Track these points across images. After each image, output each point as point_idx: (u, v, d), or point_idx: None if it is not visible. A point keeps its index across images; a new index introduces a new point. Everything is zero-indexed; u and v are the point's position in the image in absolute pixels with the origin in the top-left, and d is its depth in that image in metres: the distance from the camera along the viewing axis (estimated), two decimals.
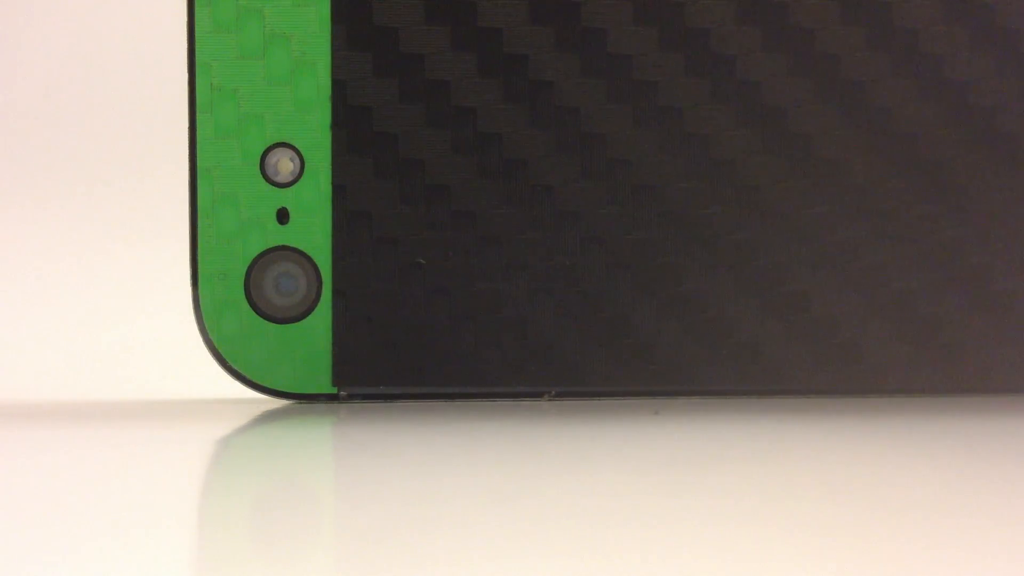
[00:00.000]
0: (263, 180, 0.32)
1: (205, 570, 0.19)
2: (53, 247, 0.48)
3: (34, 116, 0.50)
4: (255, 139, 0.32)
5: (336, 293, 0.32)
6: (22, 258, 0.48)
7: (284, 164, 0.32)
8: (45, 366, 0.40)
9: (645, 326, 0.32)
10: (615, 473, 0.25)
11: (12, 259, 0.48)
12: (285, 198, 0.32)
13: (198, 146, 0.32)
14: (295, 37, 0.32)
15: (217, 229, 0.32)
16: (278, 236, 0.32)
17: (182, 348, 0.34)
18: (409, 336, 0.32)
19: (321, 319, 0.32)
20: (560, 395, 0.33)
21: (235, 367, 0.32)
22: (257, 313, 0.32)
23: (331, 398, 0.32)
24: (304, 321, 0.32)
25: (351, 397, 0.32)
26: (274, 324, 0.32)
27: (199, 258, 0.32)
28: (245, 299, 0.32)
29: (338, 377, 0.32)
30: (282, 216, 0.32)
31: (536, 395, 0.33)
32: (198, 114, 0.32)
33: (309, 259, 0.32)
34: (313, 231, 0.32)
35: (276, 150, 0.32)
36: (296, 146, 0.32)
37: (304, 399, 0.32)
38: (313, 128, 0.32)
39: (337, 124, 0.32)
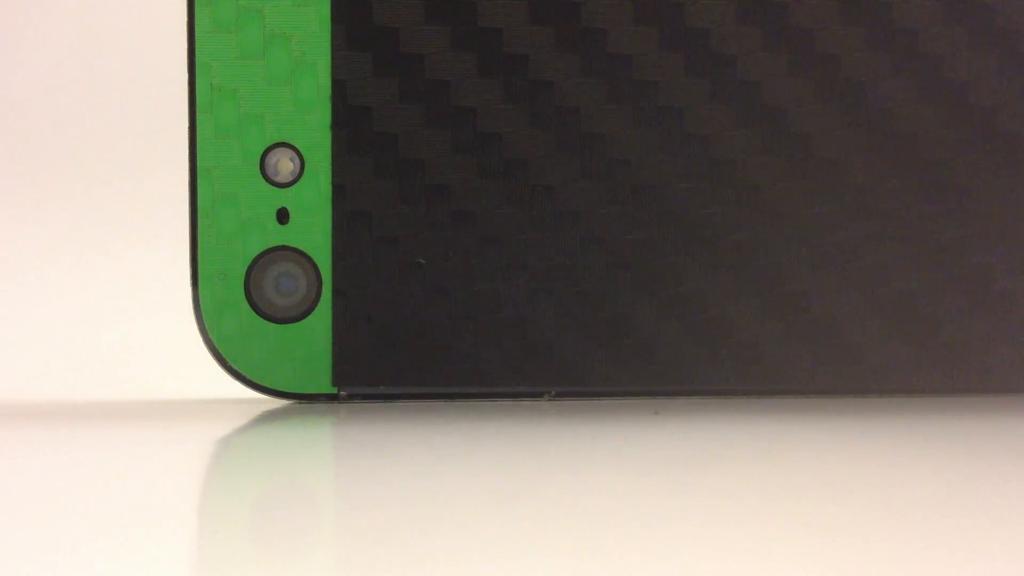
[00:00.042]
0: (263, 180, 0.32)
1: (205, 570, 0.19)
2: (53, 247, 0.48)
3: (34, 116, 0.50)
4: (255, 139, 0.32)
5: (336, 293, 0.32)
6: (22, 258, 0.48)
7: (284, 164, 0.32)
8: (45, 366, 0.40)
9: (645, 326, 0.32)
10: (615, 473, 0.25)
11: (12, 259, 0.48)
12: (285, 198, 0.32)
13: (198, 146, 0.32)
14: (295, 37, 0.32)
15: (217, 229, 0.32)
16: (278, 236, 0.32)
17: (182, 348, 0.34)
18: (409, 336, 0.32)
19: (321, 319, 0.32)
20: (560, 395, 0.33)
21: (235, 367, 0.32)
22: (257, 313, 0.32)
23: (331, 398, 0.32)
24: (304, 321, 0.32)
25: (351, 397, 0.32)
26: (274, 324, 0.32)
27: (199, 258, 0.32)
28: (245, 299, 0.32)
29: (338, 377, 0.32)
30: (282, 216, 0.32)
31: (536, 395, 0.33)
32: (198, 114, 0.32)
33: (309, 259, 0.32)
34: (313, 231, 0.32)
35: (276, 150, 0.32)
36: (296, 146, 0.32)
37: (304, 399, 0.32)
38: (313, 128, 0.32)
39: (337, 124, 0.32)
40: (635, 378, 0.32)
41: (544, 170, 0.32)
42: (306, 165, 0.32)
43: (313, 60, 0.32)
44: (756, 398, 0.33)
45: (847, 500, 0.23)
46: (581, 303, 0.32)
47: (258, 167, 0.32)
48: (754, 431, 0.30)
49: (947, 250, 0.33)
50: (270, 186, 0.32)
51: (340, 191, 0.32)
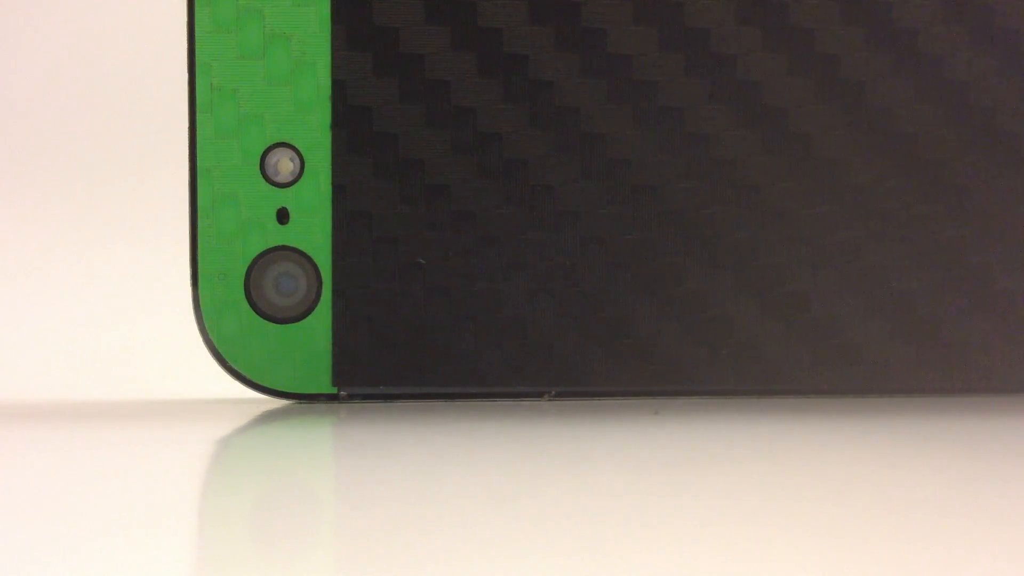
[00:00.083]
0: (263, 180, 0.32)
1: (205, 570, 0.19)
2: (53, 247, 0.48)
3: (34, 116, 0.50)
4: (255, 139, 0.32)
5: (336, 293, 0.32)
6: (22, 258, 0.48)
7: (284, 164, 0.32)
8: (45, 366, 0.40)
9: (645, 326, 0.32)
10: (615, 473, 0.25)
11: (12, 259, 0.48)
12: (285, 198, 0.32)
13: (198, 146, 0.32)
14: (295, 37, 0.32)
15: (217, 229, 0.32)
16: (278, 236, 0.32)
17: (182, 348, 0.34)
18: (409, 336, 0.32)
19: (321, 319, 0.32)
20: (560, 395, 0.33)
21: (235, 367, 0.32)
22: (257, 313, 0.32)
23: (331, 398, 0.32)
24: (304, 321, 0.32)
25: (351, 397, 0.32)
26: (274, 324, 0.32)
27: (199, 258, 0.32)
28: (245, 299, 0.32)
29: (338, 377, 0.32)
30: (282, 216, 0.32)
31: (536, 395, 0.33)
32: (198, 114, 0.32)
33: (309, 259, 0.32)
34: (313, 231, 0.32)
35: (276, 150, 0.32)
36: (296, 146, 0.32)
37: (304, 399, 0.32)
38: (313, 128, 0.32)
39: (337, 124, 0.32)
40: (635, 378, 0.32)
41: (544, 170, 0.32)
42: (306, 165, 0.32)
43: (313, 60, 0.32)
44: (756, 398, 0.33)
45: (847, 500, 0.23)
46: (581, 303, 0.32)
47: (258, 167, 0.32)
48: (754, 431, 0.30)
49: (947, 250, 0.33)
50: (270, 186, 0.32)
51: (340, 191, 0.32)
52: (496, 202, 0.32)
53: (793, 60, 0.32)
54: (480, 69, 0.32)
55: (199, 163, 0.32)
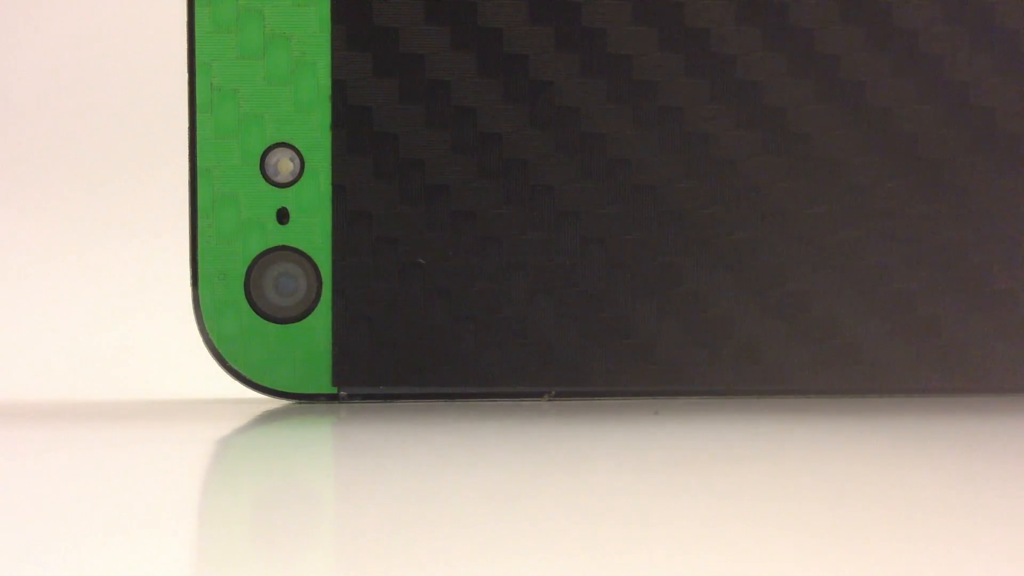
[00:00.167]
0: (263, 180, 0.32)
1: (205, 570, 0.19)
2: (53, 247, 0.48)
3: (34, 116, 0.50)
4: (255, 139, 0.32)
5: (336, 293, 0.32)
6: (22, 258, 0.48)
7: (284, 164, 0.32)
8: (45, 366, 0.40)
9: (645, 326, 0.32)
10: (615, 473, 0.25)
11: (12, 259, 0.48)
12: (285, 198, 0.32)
13: (198, 146, 0.32)
14: (295, 37, 0.32)
15: (217, 229, 0.32)
16: (278, 236, 0.32)
17: (182, 348, 0.34)
18: (409, 336, 0.32)
19: (321, 319, 0.32)
20: (560, 395, 0.33)
21: (235, 367, 0.32)
22: (257, 313, 0.32)
23: (331, 398, 0.32)
24: (304, 321, 0.32)
25: (351, 397, 0.32)
26: (274, 324, 0.32)
27: (199, 258, 0.32)
28: (245, 299, 0.32)
29: (338, 377, 0.32)
30: (282, 216, 0.32)
31: (536, 395, 0.33)
32: (198, 114, 0.32)
33: (309, 259, 0.32)
34: (313, 231, 0.32)
35: (276, 150, 0.32)
36: (296, 146, 0.32)
37: (304, 399, 0.32)
38: (313, 128, 0.32)
39: (337, 124, 0.32)
40: (635, 378, 0.32)
41: (544, 170, 0.32)
42: (306, 165, 0.32)
43: (313, 60, 0.32)
44: (756, 398, 0.33)
45: (847, 500, 0.23)
46: (581, 303, 0.32)
47: (258, 167, 0.32)
48: (754, 431, 0.30)
49: (947, 250, 0.33)
50: (270, 186, 0.32)
51: (340, 191, 0.32)
52: (496, 202, 0.32)
53: (793, 60, 0.32)
54: (480, 69, 0.32)
55: (199, 163, 0.32)
